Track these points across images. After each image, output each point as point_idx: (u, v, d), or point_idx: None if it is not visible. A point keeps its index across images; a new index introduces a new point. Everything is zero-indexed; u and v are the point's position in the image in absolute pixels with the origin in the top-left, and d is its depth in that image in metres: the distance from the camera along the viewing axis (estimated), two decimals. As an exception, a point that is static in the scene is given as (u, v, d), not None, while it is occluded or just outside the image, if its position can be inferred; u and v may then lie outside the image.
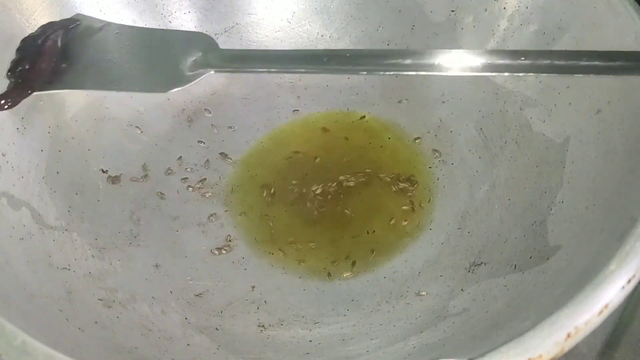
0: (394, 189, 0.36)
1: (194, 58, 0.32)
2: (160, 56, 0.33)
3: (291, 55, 0.31)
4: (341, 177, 0.36)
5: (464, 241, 0.33)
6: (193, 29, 0.40)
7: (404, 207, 0.35)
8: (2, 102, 0.30)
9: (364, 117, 0.39)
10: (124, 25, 0.35)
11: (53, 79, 0.31)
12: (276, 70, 0.30)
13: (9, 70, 0.31)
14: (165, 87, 0.31)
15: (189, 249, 0.34)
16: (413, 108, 0.39)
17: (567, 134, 0.31)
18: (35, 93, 0.31)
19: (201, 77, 0.31)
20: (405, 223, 0.34)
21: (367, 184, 0.36)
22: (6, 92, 0.30)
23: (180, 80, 0.31)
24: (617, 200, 0.26)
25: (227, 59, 0.32)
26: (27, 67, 0.31)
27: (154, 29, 0.37)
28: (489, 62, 0.27)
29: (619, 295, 0.21)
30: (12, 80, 0.31)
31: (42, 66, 0.31)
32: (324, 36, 0.41)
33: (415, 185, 0.36)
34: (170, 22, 0.39)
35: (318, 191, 0.36)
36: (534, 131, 0.33)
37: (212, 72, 0.31)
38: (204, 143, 0.38)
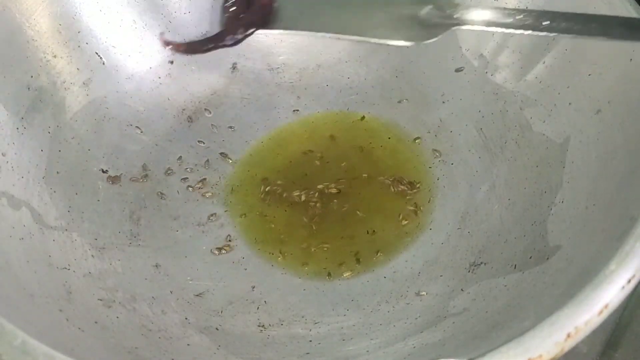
0: (394, 190, 0.36)
1: (425, 10, 0.27)
2: (384, 3, 0.28)
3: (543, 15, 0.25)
4: (340, 178, 0.36)
5: (464, 241, 0.33)
6: (193, 29, 0.40)
7: (403, 208, 0.35)
8: (226, 38, 0.28)
9: (364, 117, 0.39)
10: None
11: (271, 18, 0.29)
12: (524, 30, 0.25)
13: (225, 5, 0.29)
14: (399, 38, 0.27)
15: (189, 249, 0.34)
16: (413, 108, 0.39)
17: (567, 134, 0.31)
18: (257, 31, 0.29)
19: (443, 34, 0.27)
20: (405, 223, 0.34)
21: (366, 185, 0.36)
22: (226, 29, 0.29)
23: (418, 34, 0.27)
24: (617, 200, 0.26)
25: (467, 12, 0.27)
26: (245, 2, 0.29)
27: None
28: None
29: (619, 295, 0.21)
30: (230, 16, 0.29)
31: (262, 2, 0.29)
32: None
33: (415, 190, 0.35)
34: (170, 22, 0.39)
35: (317, 192, 0.36)
36: (534, 131, 0.33)
37: (460, 27, 0.26)
38: (204, 143, 0.38)
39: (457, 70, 0.37)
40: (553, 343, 0.20)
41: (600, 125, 0.30)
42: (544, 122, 0.33)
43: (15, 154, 0.31)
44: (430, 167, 0.36)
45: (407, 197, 0.35)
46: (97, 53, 0.37)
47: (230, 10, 0.29)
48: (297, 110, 0.40)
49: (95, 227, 0.33)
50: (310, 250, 0.34)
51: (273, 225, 0.35)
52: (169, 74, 0.39)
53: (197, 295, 0.31)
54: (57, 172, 0.33)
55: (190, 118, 0.39)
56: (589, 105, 0.31)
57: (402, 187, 0.35)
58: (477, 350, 0.20)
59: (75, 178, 0.34)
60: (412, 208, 0.35)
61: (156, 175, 0.37)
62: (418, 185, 0.35)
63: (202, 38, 0.29)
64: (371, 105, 0.40)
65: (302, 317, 0.31)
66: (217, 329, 0.30)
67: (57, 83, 0.35)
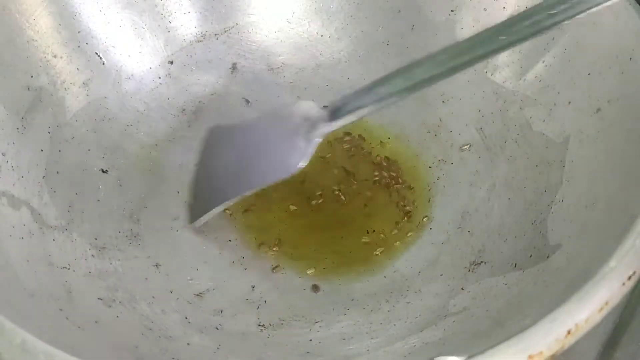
0: (394, 190, 0.36)
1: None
2: None
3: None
4: (340, 179, 0.36)
5: (464, 240, 0.33)
6: (193, 29, 0.40)
7: (405, 208, 0.35)
8: None
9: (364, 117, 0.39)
10: None
11: None
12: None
13: None
14: None
15: (189, 249, 0.34)
16: (413, 108, 0.39)
17: (567, 134, 0.31)
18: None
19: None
20: (406, 223, 0.34)
21: (367, 185, 0.36)
22: None
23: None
24: (616, 199, 0.26)
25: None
26: None
27: None
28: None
29: (619, 292, 0.21)
30: None
31: None
32: (323, 36, 0.41)
33: (413, 190, 0.36)
34: (170, 22, 0.39)
35: (318, 192, 0.36)
36: (534, 131, 0.33)
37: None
38: (204, 143, 0.38)
39: (457, 70, 0.37)
40: (553, 339, 0.20)
41: (600, 124, 0.30)
42: (544, 121, 0.33)
43: (15, 154, 0.31)
44: (430, 167, 0.36)
45: (407, 194, 0.35)
46: (97, 53, 0.37)
47: None
48: (297, 110, 0.40)
49: (95, 227, 0.33)
50: (311, 250, 0.34)
51: (273, 225, 0.35)
52: (169, 74, 0.39)
53: (197, 295, 0.31)
54: (57, 172, 0.33)
55: (190, 118, 0.39)
56: (588, 104, 0.31)
57: (402, 186, 0.35)
58: (477, 349, 0.20)
59: (75, 178, 0.34)
60: (411, 208, 0.35)
61: (156, 175, 0.36)
62: (417, 182, 0.35)
63: None
64: (371, 105, 0.39)
65: (302, 316, 0.31)
66: (217, 328, 0.30)
67: (57, 83, 0.35)
